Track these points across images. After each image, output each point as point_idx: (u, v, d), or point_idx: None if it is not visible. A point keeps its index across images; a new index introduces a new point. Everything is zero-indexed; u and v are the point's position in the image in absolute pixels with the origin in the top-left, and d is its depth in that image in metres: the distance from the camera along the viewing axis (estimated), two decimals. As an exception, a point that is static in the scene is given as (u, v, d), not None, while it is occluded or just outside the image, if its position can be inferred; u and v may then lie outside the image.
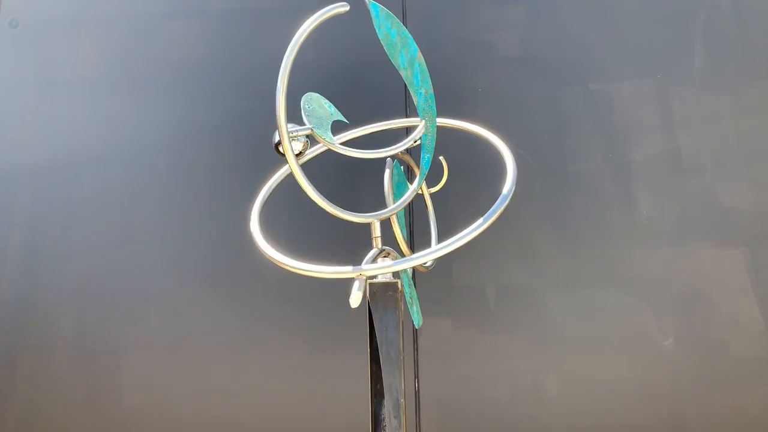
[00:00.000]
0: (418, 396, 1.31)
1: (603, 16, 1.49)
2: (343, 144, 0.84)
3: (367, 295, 0.78)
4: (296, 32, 0.72)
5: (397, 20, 0.84)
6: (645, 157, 1.40)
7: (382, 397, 0.77)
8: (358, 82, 1.49)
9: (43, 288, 1.41)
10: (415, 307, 0.97)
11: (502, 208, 0.77)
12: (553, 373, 1.32)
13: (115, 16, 1.57)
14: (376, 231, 0.84)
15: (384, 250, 0.84)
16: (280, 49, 0.72)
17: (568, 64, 1.47)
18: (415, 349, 1.33)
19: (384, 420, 0.77)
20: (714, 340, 1.31)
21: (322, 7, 0.73)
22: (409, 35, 0.85)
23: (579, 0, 1.50)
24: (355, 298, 0.70)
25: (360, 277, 0.73)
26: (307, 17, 0.73)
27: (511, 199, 0.81)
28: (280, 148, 0.77)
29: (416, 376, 1.32)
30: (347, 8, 0.75)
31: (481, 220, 0.75)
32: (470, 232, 0.74)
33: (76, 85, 1.52)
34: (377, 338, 0.76)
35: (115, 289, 1.40)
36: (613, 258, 1.36)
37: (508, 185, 0.80)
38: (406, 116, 1.42)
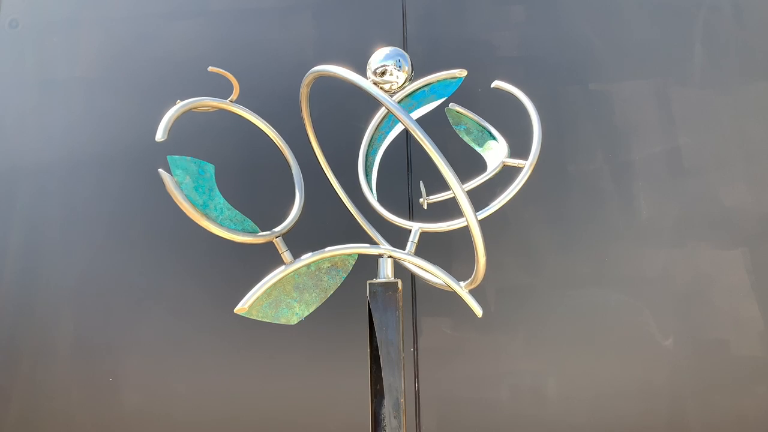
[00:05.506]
0: (418, 396, 1.31)
1: (603, 16, 1.49)
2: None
3: (367, 295, 0.78)
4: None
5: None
6: (645, 157, 1.40)
7: (382, 397, 0.77)
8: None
9: (43, 287, 1.41)
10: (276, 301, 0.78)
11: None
12: (553, 373, 1.32)
13: (115, 16, 1.57)
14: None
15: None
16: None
17: (568, 64, 1.47)
18: (415, 349, 1.33)
19: (384, 420, 0.77)
20: (714, 340, 1.31)
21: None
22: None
23: (579, 0, 1.50)
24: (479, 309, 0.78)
25: (463, 289, 0.78)
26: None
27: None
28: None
29: (416, 376, 1.32)
30: (465, 73, 0.93)
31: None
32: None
33: (76, 85, 1.52)
34: (377, 338, 0.76)
35: (114, 288, 1.40)
36: (613, 258, 1.36)
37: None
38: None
